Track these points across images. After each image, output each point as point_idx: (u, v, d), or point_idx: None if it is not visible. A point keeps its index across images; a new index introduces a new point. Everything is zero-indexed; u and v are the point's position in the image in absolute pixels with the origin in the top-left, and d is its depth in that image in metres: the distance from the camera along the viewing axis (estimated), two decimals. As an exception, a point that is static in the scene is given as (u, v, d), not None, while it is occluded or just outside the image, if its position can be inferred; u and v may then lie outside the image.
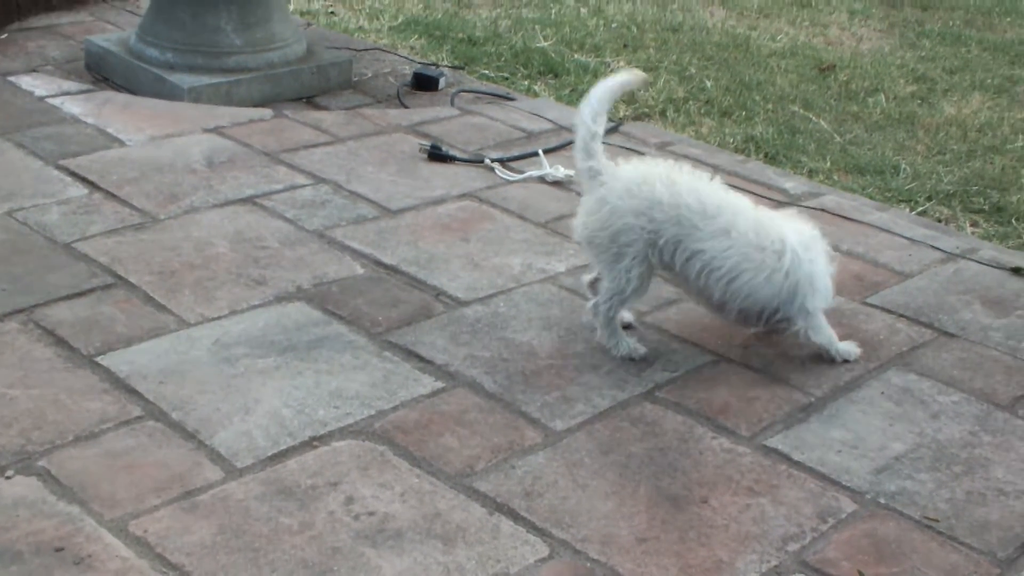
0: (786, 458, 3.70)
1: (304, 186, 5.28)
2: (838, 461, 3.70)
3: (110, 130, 5.70)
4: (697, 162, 5.89)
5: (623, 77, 4.16)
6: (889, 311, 4.61)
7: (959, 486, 3.64)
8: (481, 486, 3.46)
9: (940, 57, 8.80)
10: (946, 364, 4.29)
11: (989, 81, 8.24)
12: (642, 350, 4.18)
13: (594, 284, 4.28)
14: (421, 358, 4.07)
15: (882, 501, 3.54)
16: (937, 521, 3.47)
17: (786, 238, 4.10)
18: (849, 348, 4.28)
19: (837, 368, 4.19)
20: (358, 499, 3.36)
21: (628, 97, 7.18)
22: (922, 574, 3.26)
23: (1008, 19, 10.15)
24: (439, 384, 3.94)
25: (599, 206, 4.08)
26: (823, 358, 4.23)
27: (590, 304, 4.21)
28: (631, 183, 4.07)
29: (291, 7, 8.29)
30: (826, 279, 4.20)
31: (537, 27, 8.45)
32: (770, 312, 4.14)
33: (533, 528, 3.31)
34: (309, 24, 7.91)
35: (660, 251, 4.05)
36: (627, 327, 4.31)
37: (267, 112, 6.16)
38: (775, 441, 3.77)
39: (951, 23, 9.89)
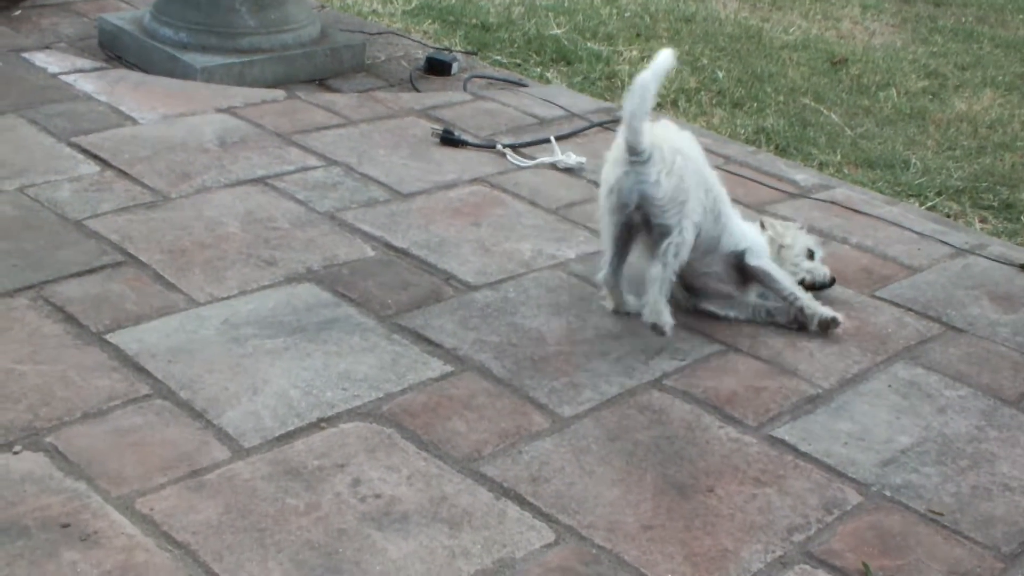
0: (793, 449, 3.70)
1: (316, 168, 5.28)
2: (844, 453, 3.71)
3: (123, 108, 5.70)
4: (708, 152, 5.85)
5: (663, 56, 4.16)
6: (897, 305, 4.61)
7: (964, 480, 3.64)
8: (488, 470, 3.47)
9: (952, 53, 8.79)
10: (953, 359, 4.29)
11: (1000, 78, 8.23)
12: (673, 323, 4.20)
13: (615, 275, 4.30)
14: (430, 341, 4.07)
15: (887, 494, 3.55)
16: (942, 515, 3.48)
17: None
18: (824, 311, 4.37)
19: (845, 360, 4.19)
20: (365, 481, 3.37)
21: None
22: (926, 567, 3.27)
23: (1021, 16, 10.13)
24: (448, 368, 3.94)
25: (673, 156, 4.11)
26: (832, 350, 4.24)
27: (654, 270, 4.11)
28: (669, 137, 4.19)
29: (304, -11, 8.30)
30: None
31: (550, 14, 8.45)
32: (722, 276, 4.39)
33: (539, 513, 3.32)
34: (323, 7, 7.90)
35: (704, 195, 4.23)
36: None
37: (280, 93, 6.15)
38: (782, 432, 3.78)
39: (963, 19, 9.88)
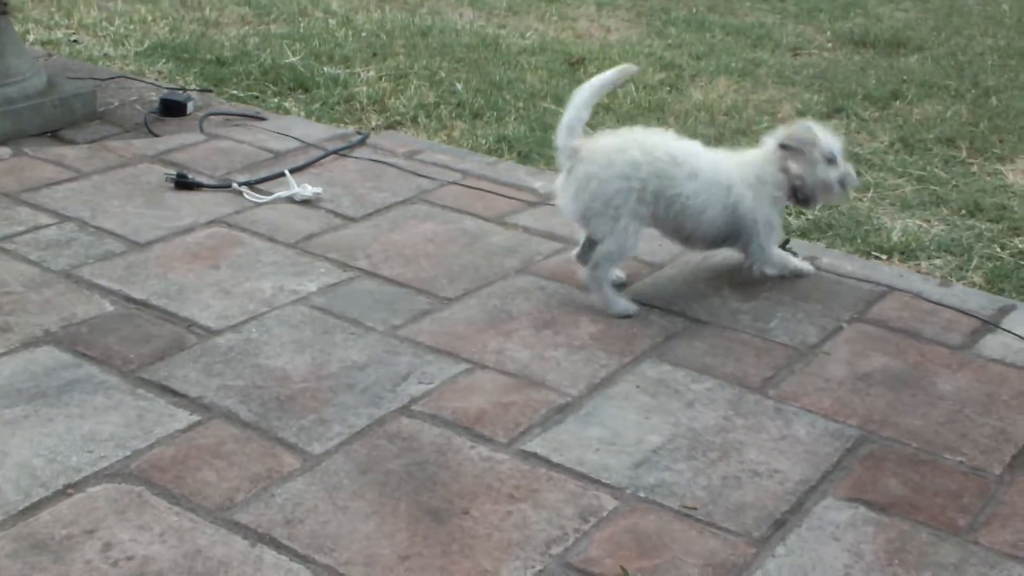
0: (545, 461, 3.72)
1: (48, 226, 5.17)
2: (597, 459, 3.74)
3: None
4: (446, 168, 5.92)
5: (621, 69, 4.69)
6: (641, 303, 4.66)
7: (715, 472, 3.70)
8: (241, 518, 3.43)
9: (686, 44, 8.97)
10: (698, 351, 4.37)
11: (733, 65, 8.43)
12: (634, 307, 4.60)
13: (584, 255, 4.70)
14: (175, 392, 4.01)
15: (642, 495, 3.58)
16: (695, 509, 3.53)
17: (733, 178, 4.69)
18: (802, 265, 5.00)
19: (592, 365, 4.23)
20: (116, 544, 3.30)
21: (379, 106, 7.18)
22: (682, 563, 3.31)
23: (748, 3, 10.40)
24: (194, 417, 3.88)
25: (587, 181, 4.53)
26: (579, 357, 4.28)
27: (585, 271, 4.66)
28: (611, 153, 4.52)
29: (31, 38, 8.14)
30: (771, 219, 4.80)
31: (285, 42, 8.40)
32: (724, 237, 4.77)
33: (296, 555, 3.29)
34: (50, 55, 7.76)
35: (647, 202, 4.54)
36: (622, 286, 4.75)
37: (5, 151, 6.01)
38: (533, 445, 3.80)
39: (695, 9, 10.09)
